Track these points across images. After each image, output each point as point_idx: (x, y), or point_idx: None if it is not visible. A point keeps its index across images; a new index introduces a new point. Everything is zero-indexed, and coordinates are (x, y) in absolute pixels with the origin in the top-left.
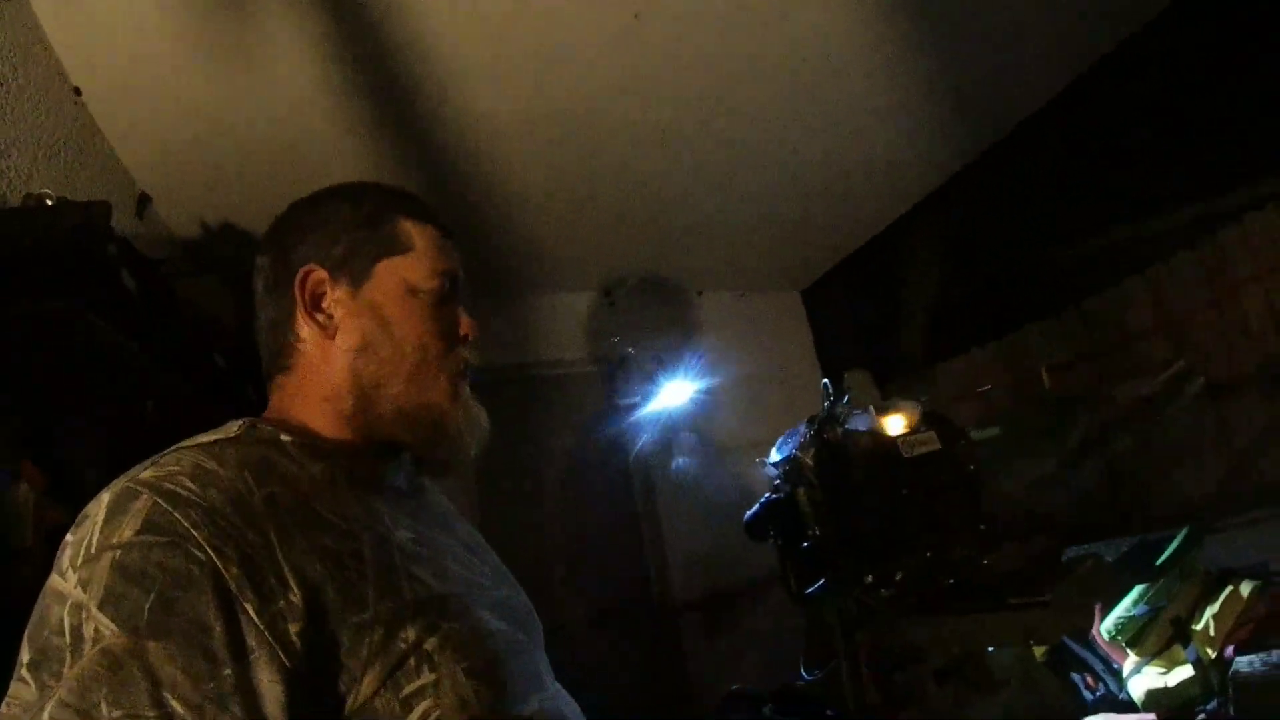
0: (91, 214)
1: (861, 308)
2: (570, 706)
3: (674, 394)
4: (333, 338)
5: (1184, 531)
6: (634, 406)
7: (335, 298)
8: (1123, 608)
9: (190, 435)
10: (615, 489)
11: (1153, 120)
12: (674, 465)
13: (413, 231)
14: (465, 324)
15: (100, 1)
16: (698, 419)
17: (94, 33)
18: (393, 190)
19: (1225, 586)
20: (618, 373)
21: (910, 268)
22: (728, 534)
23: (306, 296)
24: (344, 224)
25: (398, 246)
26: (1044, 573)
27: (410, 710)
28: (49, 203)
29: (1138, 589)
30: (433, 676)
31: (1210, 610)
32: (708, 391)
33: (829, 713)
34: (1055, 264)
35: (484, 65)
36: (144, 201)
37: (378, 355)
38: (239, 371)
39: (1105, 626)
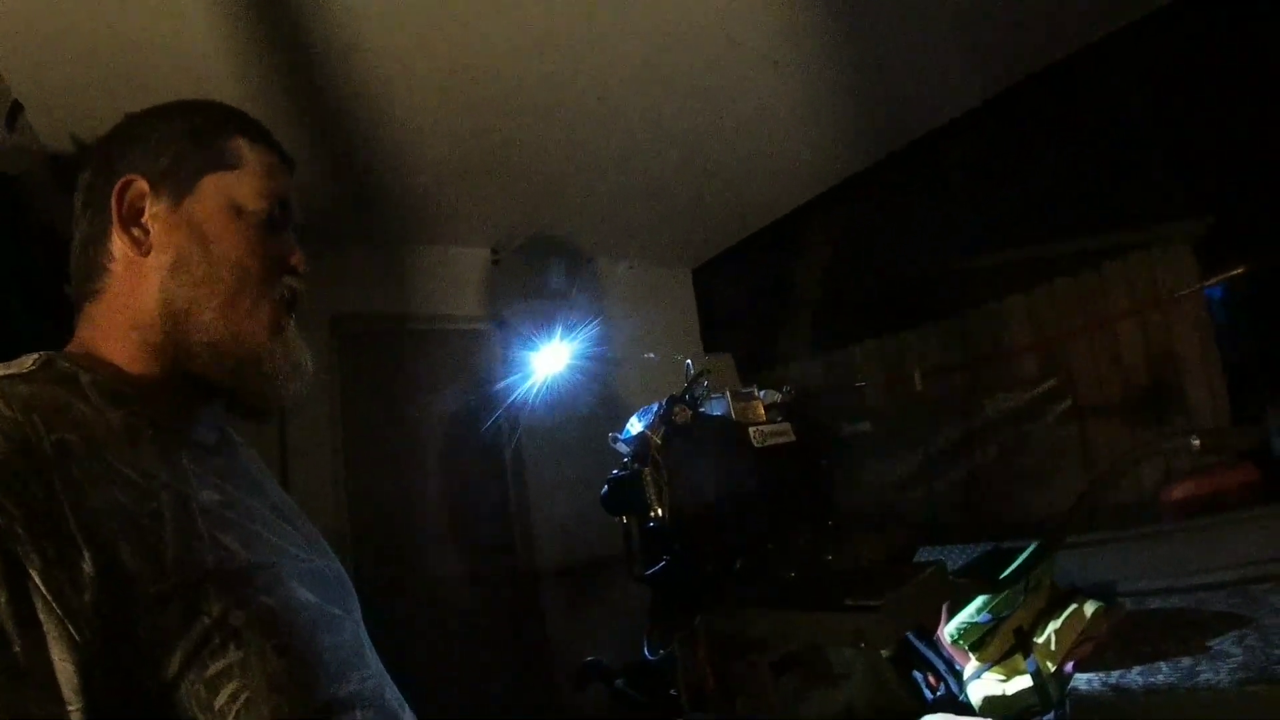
0: None
1: (750, 292)
2: (390, 687)
3: (553, 359)
4: (146, 255)
5: (1033, 545)
6: (511, 368)
7: (154, 212)
8: (967, 613)
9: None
10: (485, 452)
11: (1054, 151)
12: (545, 432)
13: (245, 150)
14: (295, 255)
15: None
16: (574, 386)
17: None
18: (232, 109)
19: (1070, 604)
20: (497, 333)
21: (801, 259)
22: (593, 505)
23: (124, 209)
24: (172, 134)
25: (226, 162)
26: (886, 574)
27: (217, 692)
28: None
29: (982, 597)
30: (240, 654)
31: (1053, 625)
32: (587, 359)
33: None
34: (942, 274)
35: (381, 4)
36: (16, 110)
37: (191, 275)
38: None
39: (949, 629)
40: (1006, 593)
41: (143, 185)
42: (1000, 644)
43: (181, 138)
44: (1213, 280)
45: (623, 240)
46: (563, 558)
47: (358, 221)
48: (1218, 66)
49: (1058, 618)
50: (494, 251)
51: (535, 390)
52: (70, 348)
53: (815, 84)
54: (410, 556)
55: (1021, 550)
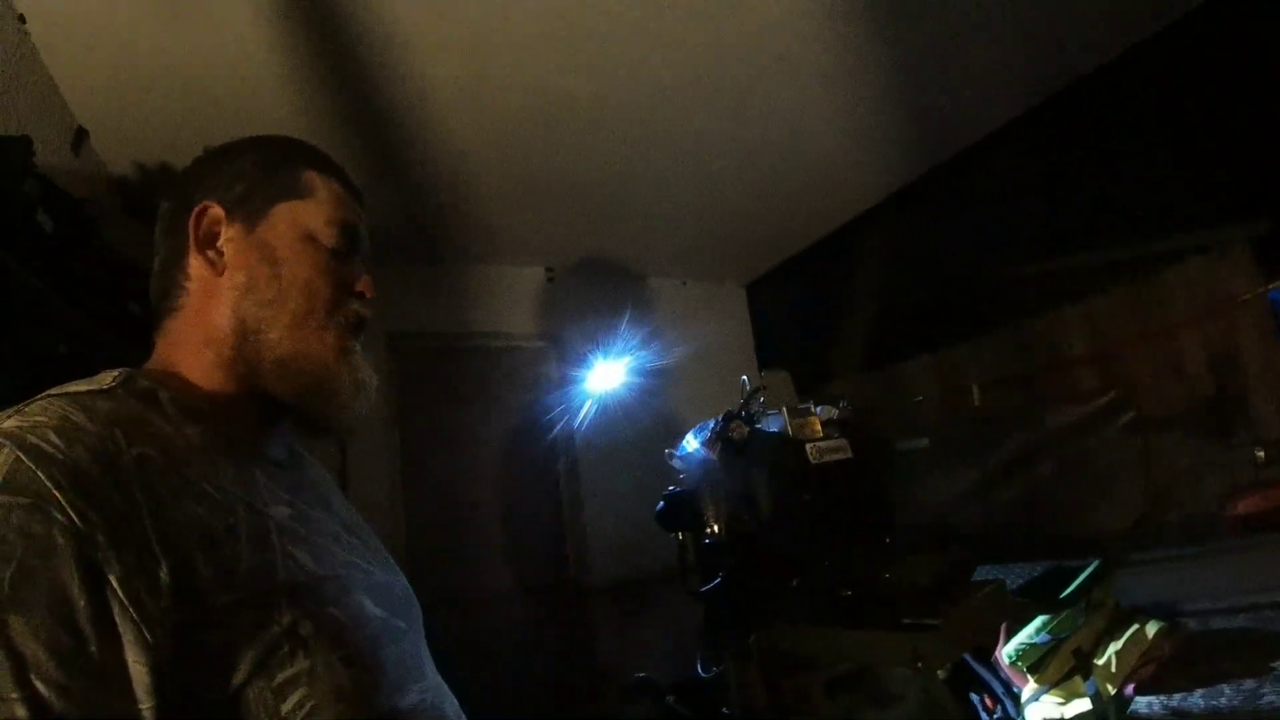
0: (10, 149)
1: (803, 307)
2: (450, 700)
3: (607, 376)
4: (220, 275)
5: (1094, 564)
6: (567, 385)
7: (228, 236)
8: (1026, 633)
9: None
10: (542, 467)
11: (1107, 155)
12: (601, 448)
13: (316, 181)
14: (363, 282)
15: None
16: (629, 403)
17: None
18: (304, 143)
19: (1131, 624)
20: (553, 350)
21: (853, 273)
22: (647, 521)
23: (200, 233)
24: (246, 165)
25: (297, 191)
26: (944, 593)
27: (284, 699)
28: None
29: (1042, 617)
30: (307, 663)
31: (1114, 646)
32: (642, 376)
33: (725, 711)
34: (997, 284)
35: (430, 33)
36: (81, 137)
37: (262, 295)
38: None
39: (1008, 650)
40: (1066, 613)
41: (218, 211)
42: (1059, 665)
43: (255, 168)
44: (1277, 283)
45: (676, 257)
46: (615, 573)
47: (415, 241)
48: (1277, 59)
49: (1118, 638)
50: (548, 270)
51: (589, 407)
52: (149, 364)
53: (864, 96)
54: (464, 570)
55: (1082, 569)
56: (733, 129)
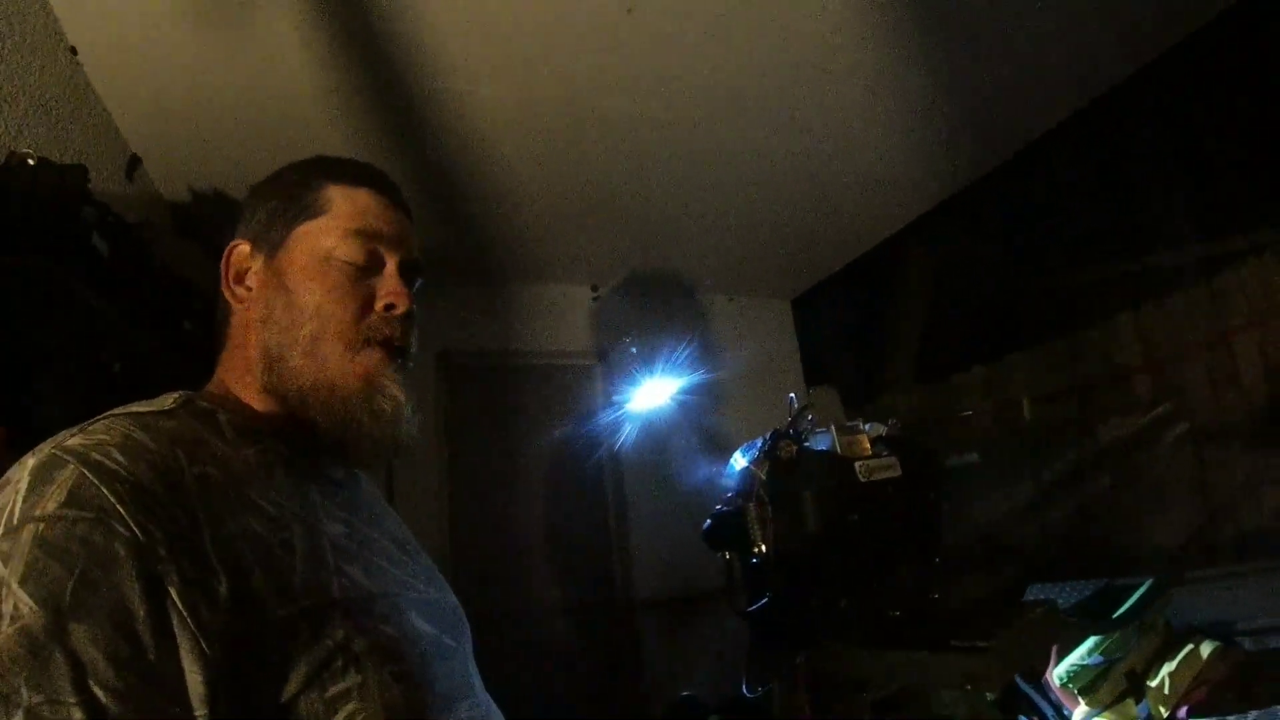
0: (67, 177)
1: (850, 322)
2: (497, 717)
3: (655, 393)
4: (248, 309)
5: (1148, 583)
6: (613, 402)
7: (254, 269)
8: (1078, 655)
9: (155, 393)
10: (588, 484)
11: (1156, 157)
12: (647, 465)
13: (335, 195)
14: (392, 294)
15: None
16: (675, 420)
17: None
18: (329, 158)
19: (1186, 645)
20: (599, 368)
21: (900, 286)
22: (693, 539)
23: (231, 272)
24: (268, 195)
25: (314, 210)
26: (996, 613)
27: (335, 712)
28: (30, 163)
29: (1094, 637)
30: (359, 678)
31: (1168, 668)
32: (688, 393)
33: None
34: (1046, 294)
35: (475, 53)
36: (134, 163)
37: (278, 324)
38: (207, 337)
39: (1059, 672)
40: (1119, 633)
41: (245, 247)
42: (1112, 688)
43: (274, 197)
44: None
45: (721, 273)
46: (660, 591)
47: (461, 260)
48: None
49: (1172, 659)
50: (594, 287)
51: (635, 424)
52: (209, 387)
53: (910, 106)
54: (511, 587)
55: (1135, 587)
56: (778, 143)
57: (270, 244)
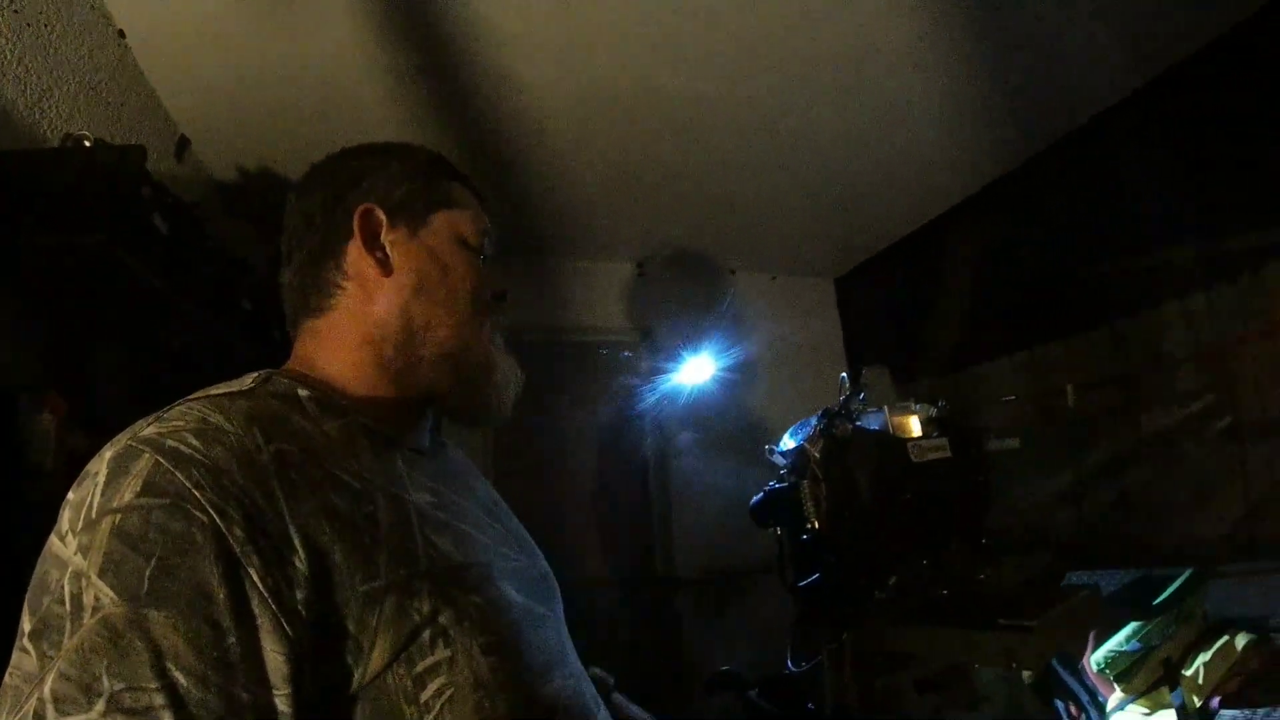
0: (126, 158)
1: (893, 303)
2: (590, 686)
3: (698, 371)
4: (388, 275)
5: (1187, 573)
6: (657, 379)
7: (391, 239)
8: (1115, 641)
9: (212, 370)
10: (630, 460)
11: (1207, 142)
12: (690, 442)
13: (462, 192)
14: (500, 286)
15: None
16: (719, 398)
17: None
18: (444, 157)
19: (1221, 636)
20: (643, 345)
21: (945, 268)
22: (735, 516)
23: (366, 234)
24: (402, 173)
25: (452, 201)
26: (1039, 595)
27: (424, 687)
28: (86, 144)
29: (1132, 625)
30: (448, 653)
31: (1202, 658)
32: (732, 371)
33: (810, 707)
34: (1092, 280)
35: (525, 33)
36: (183, 144)
37: (433, 297)
38: (264, 314)
39: (1096, 658)
40: (1157, 621)
41: (381, 214)
42: (1147, 675)
43: (412, 177)
44: None
45: (766, 251)
46: (701, 567)
47: (506, 237)
48: None
49: (1208, 650)
50: (639, 265)
51: (678, 401)
52: (290, 364)
53: (958, 86)
54: (554, 561)
55: (1175, 577)
56: (827, 123)
57: (411, 219)
